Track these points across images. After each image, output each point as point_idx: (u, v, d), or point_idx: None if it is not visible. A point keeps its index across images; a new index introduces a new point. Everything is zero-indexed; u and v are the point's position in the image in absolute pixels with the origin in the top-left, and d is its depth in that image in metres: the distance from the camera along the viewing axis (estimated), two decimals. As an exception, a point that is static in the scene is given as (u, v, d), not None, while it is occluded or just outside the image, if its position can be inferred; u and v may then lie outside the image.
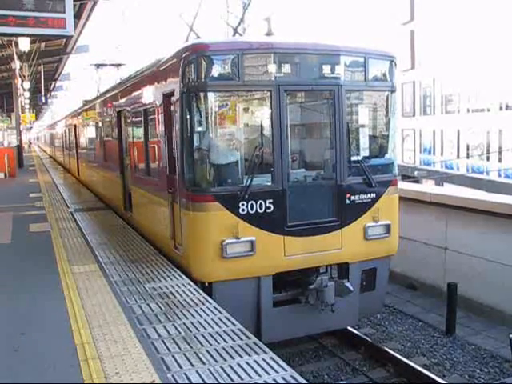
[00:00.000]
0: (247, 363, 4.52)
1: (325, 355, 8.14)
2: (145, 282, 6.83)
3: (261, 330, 7.09)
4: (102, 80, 22.92)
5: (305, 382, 4.23)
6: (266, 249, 6.94)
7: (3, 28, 7.21)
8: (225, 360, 4.58)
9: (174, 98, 7.23)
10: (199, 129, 6.92)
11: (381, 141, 8.21)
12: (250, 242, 6.86)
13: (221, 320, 5.52)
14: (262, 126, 7.16)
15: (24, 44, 20.84)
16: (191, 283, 6.77)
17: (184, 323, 5.43)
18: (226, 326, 5.36)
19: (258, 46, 7.13)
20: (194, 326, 5.34)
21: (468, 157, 34.22)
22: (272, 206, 6.95)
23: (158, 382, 4.15)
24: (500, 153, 31.06)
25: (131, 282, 6.89)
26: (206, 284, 6.91)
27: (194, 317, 5.61)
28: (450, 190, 13.50)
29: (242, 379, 4.24)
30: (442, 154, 37.81)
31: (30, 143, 75.85)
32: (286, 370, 4.39)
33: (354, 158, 7.52)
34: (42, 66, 32.81)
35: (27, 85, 33.53)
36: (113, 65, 21.74)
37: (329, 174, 7.54)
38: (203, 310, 5.80)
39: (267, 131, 7.12)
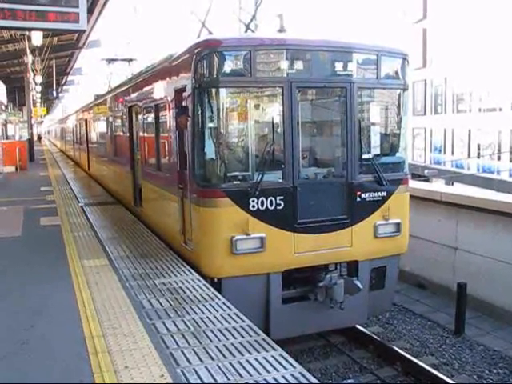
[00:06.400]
0: (256, 360, 4.52)
1: (333, 353, 8.13)
2: (154, 277, 6.85)
3: (269, 326, 7.09)
4: (114, 75, 22.99)
5: (313, 379, 4.22)
6: (276, 245, 6.93)
7: (16, 22, 7.21)
8: (234, 356, 4.59)
9: (185, 94, 7.23)
10: (211, 124, 6.91)
11: (392, 139, 8.17)
12: (259, 238, 6.85)
13: (230, 316, 5.52)
14: (273, 122, 7.14)
15: (37, 38, 20.96)
16: (200, 279, 6.78)
17: (193, 319, 5.44)
18: (235, 322, 5.37)
19: (271, 42, 7.12)
20: (203, 322, 5.35)
21: (479, 156, 34.04)
22: (282, 203, 6.94)
23: (167, 378, 4.17)
24: (511, 153, 30.89)
25: (141, 276, 6.91)
26: (216, 280, 6.91)
27: (203, 312, 5.62)
28: (461, 190, 13.44)
29: (251, 375, 4.24)
30: (452, 153, 37.67)
31: (40, 137, 75.72)
32: (294, 367, 4.39)
33: (365, 156, 7.49)
34: (53, 61, 32.98)
35: (39, 79, 33.74)
36: (124, 60, 21.82)
37: (339, 171, 7.52)
38: (212, 306, 5.81)
39: (278, 128, 7.11)
